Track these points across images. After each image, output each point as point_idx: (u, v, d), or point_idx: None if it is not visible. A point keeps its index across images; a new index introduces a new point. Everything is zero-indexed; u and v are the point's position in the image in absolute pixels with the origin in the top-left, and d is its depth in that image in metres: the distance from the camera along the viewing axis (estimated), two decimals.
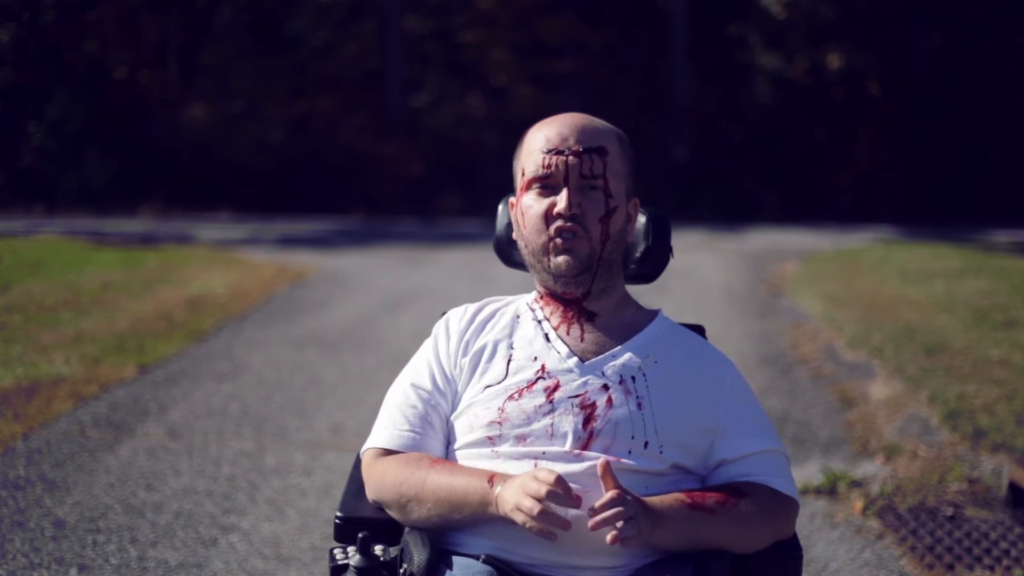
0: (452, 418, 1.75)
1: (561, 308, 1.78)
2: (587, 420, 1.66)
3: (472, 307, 1.85)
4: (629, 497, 1.55)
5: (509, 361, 1.74)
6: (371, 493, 1.75)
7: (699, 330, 1.95)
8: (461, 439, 1.72)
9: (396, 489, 1.69)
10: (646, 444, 1.65)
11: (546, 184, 1.72)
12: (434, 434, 1.75)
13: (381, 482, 1.72)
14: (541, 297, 1.82)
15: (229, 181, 16.86)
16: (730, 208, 15.86)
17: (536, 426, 1.67)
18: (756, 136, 17.85)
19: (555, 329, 1.77)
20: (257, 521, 3.43)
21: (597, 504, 1.53)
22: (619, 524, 1.51)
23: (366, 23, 19.55)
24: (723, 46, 18.75)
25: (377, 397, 1.88)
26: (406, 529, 1.72)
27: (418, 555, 1.60)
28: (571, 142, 1.71)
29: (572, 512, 1.56)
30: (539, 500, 1.51)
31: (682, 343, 1.80)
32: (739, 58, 18.57)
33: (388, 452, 1.75)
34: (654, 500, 1.60)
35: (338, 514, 1.76)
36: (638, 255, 1.91)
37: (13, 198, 15.80)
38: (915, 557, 3.22)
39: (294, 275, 9.05)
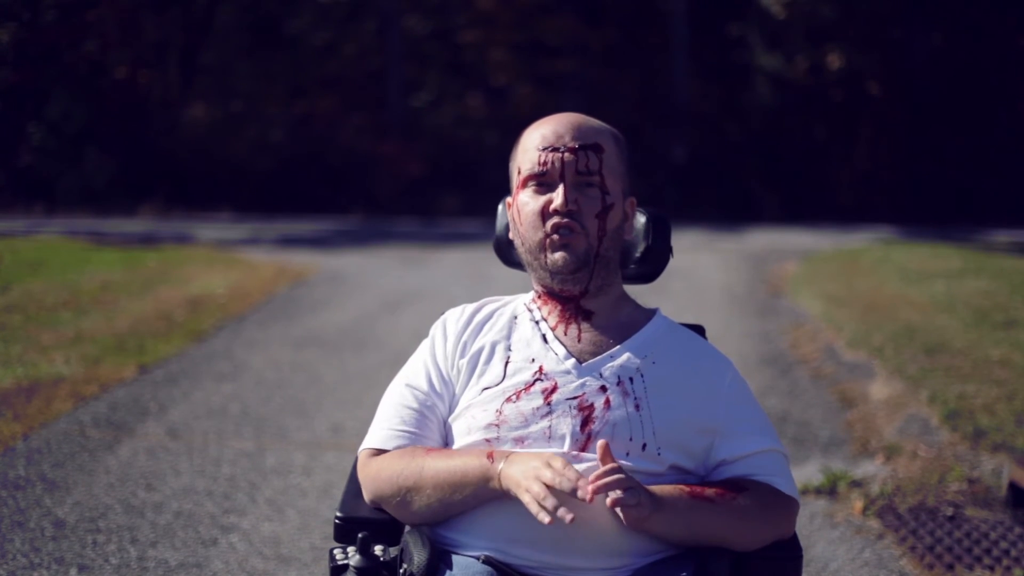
0: (450, 420, 1.75)
1: (559, 307, 1.78)
2: (585, 422, 1.65)
3: (470, 308, 1.85)
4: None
5: (507, 363, 1.73)
6: (369, 492, 1.74)
7: (699, 330, 1.95)
8: (459, 441, 1.72)
9: (394, 481, 1.68)
10: (644, 446, 1.65)
11: (542, 182, 1.72)
12: (430, 435, 1.74)
13: (378, 478, 1.71)
14: (539, 297, 1.82)
15: (229, 181, 16.85)
16: (730, 208, 15.86)
17: (534, 428, 1.66)
18: (756, 136, 17.84)
19: (552, 329, 1.76)
20: (257, 521, 3.43)
21: (596, 472, 1.54)
22: (619, 492, 1.52)
23: (366, 23, 19.55)
24: (723, 46, 18.75)
25: (377, 397, 1.88)
26: (406, 529, 1.72)
27: (418, 555, 1.60)
28: (567, 139, 1.71)
29: (570, 516, 1.56)
30: (551, 489, 1.51)
31: (680, 343, 1.80)
32: (739, 58, 18.56)
33: (383, 452, 1.75)
34: (654, 488, 1.61)
35: (338, 514, 1.76)
36: (638, 255, 1.91)
37: (13, 198, 15.81)
38: (915, 557, 3.22)
39: (294, 275, 9.05)
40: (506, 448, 1.66)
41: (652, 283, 1.98)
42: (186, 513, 3.47)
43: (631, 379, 1.69)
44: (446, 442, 1.75)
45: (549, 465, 1.55)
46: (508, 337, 1.77)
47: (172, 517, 3.43)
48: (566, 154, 1.70)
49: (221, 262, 9.79)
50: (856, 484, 3.81)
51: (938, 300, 7.55)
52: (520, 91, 18.46)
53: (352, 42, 19.50)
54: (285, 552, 3.20)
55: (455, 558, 1.62)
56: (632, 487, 1.55)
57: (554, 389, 1.68)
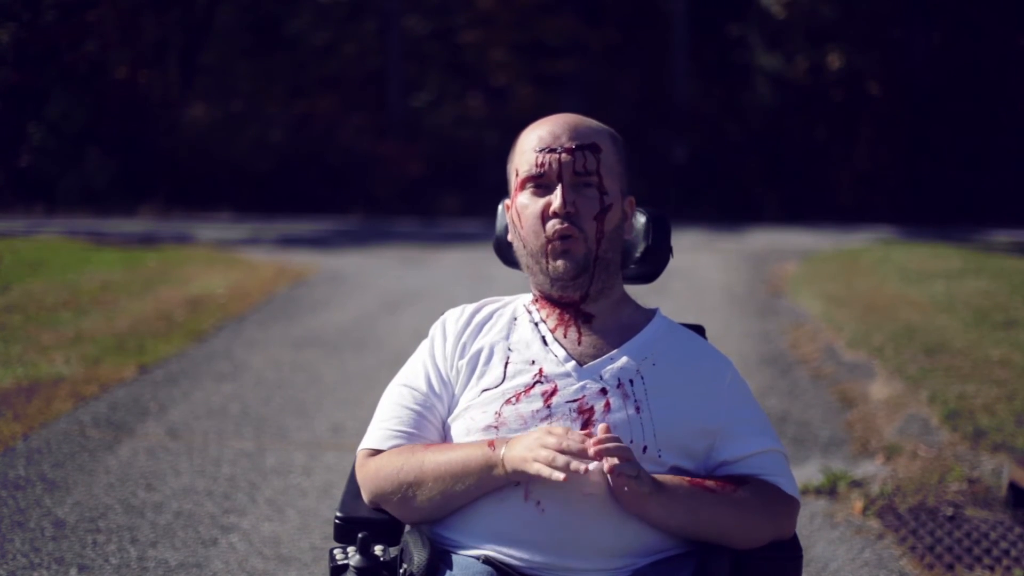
0: (449, 420, 1.74)
1: (558, 311, 1.77)
2: (585, 425, 1.65)
3: (469, 308, 1.84)
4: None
5: (506, 364, 1.73)
6: (368, 492, 1.74)
7: (699, 330, 1.95)
8: (458, 442, 1.72)
9: (394, 478, 1.68)
10: (644, 448, 1.65)
11: (540, 183, 1.72)
12: (429, 435, 1.74)
13: (377, 476, 1.70)
14: (537, 299, 1.81)
15: (229, 181, 16.86)
16: (730, 208, 15.86)
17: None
18: (756, 136, 17.85)
19: (552, 332, 1.76)
20: (257, 521, 3.43)
21: (599, 436, 1.56)
22: (617, 461, 1.53)
23: (366, 23, 19.55)
24: (723, 46, 18.75)
25: (377, 397, 1.88)
26: (406, 529, 1.71)
27: (418, 555, 1.60)
28: (563, 140, 1.71)
29: (569, 518, 1.57)
30: (558, 451, 1.53)
31: (680, 343, 1.79)
32: (739, 58, 18.56)
33: (381, 453, 1.74)
34: (655, 476, 1.61)
35: (338, 514, 1.76)
36: (638, 255, 1.91)
37: (13, 198, 15.81)
38: (915, 557, 3.22)
39: (294, 275, 9.05)
40: None
41: (652, 283, 1.98)
42: (186, 513, 3.47)
43: (631, 381, 1.69)
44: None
45: (550, 433, 1.56)
46: (508, 338, 1.77)
47: (172, 517, 3.43)
48: (563, 155, 1.70)
49: (221, 262, 9.79)
50: (856, 484, 3.81)
51: (938, 300, 7.55)
52: (520, 91, 18.46)
53: (352, 42, 19.50)
54: (285, 552, 3.20)
55: (455, 558, 1.62)
56: (632, 460, 1.55)
57: (554, 392, 1.68)
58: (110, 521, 3.38)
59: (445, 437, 1.75)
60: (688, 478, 1.64)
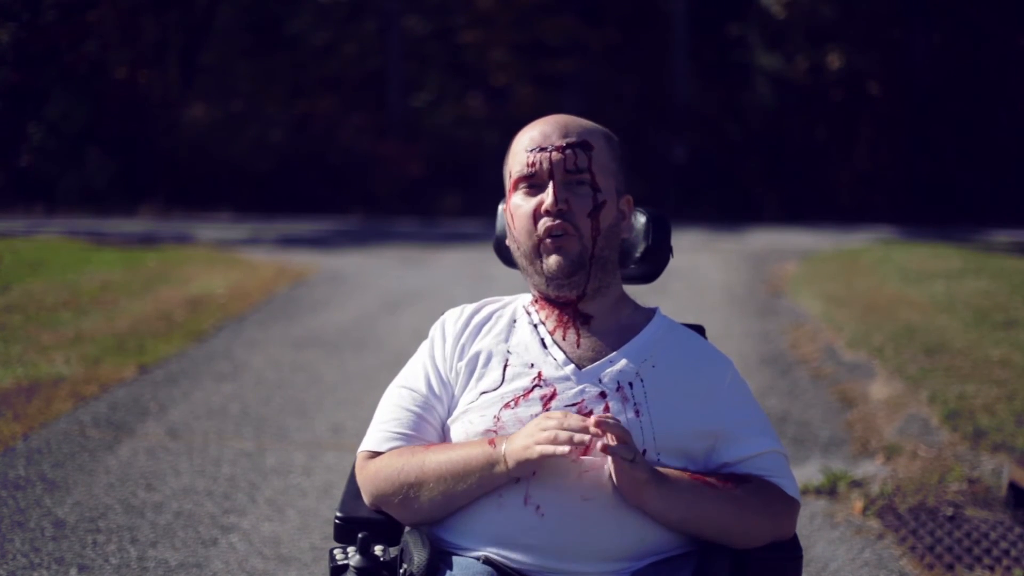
0: (448, 422, 1.74)
1: (556, 312, 1.76)
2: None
3: (469, 309, 1.84)
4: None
5: (505, 367, 1.72)
6: (368, 494, 1.73)
7: (699, 330, 1.94)
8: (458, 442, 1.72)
9: (394, 479, 1.68)
10: (644, 452, 1.64)
11: (532, 183, 1.72)
12: (428, 437, 1.73)
13: (377, 477, 1.70)
14: (536, 300, 1.81)
15: (229, 181, 16.87)
16: (730, 208, 15.87)
17: None
18: (756, 136, 17.86)
19: (551, 334, 1.75)
20: (257, 521, 3.43)
21: (599, 416, 1.57)
22: (613, 440, 1.54)
23: (366, 23, 19.56)
24: (723, 46, 18.76)
25: (377, 397, 1.88)
26: (406, 529, 1.71)
27: (418, 555, 1.59)
28: (554, 139, 1.71)
29: (568, 522, 1.57)
30: (560, 430, 1.54)
31: (680, 343, 1.79)
32: (739, 58, 18.57)
33: (380, 455, 1.74)
34: (657, 468, 1.62)
35: (338, 514, 1.76)
36: (638, 255, 1.90)
37: (13, 198, 15.81)
38: (915, 557, 3.22)
39: (294, 275, 9.05)
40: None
41: (652, 283, 1.97)
42: (186, 513, 3.47)
43: (630, 384, 1.68)
44: None
45: (549, 416, 1.58)
46: (507, 340, 1.76)
47: (172, 517, 3.43)
48: (553, 153, 1.70)
49: (221, 262, 9.80)
50: (856, 484, 3.81)
51: (938, 300, 7.55)
52: (520, 91, 18.47)
53: (352, 42, 19.51)
54: (285, 552, 3.20)
55: (455, 558, 1.61)
56: (629, 443, 1.56)
57: (553, 396, 1.67)
58: (110, 521, 3.38)
59: (445, 438, 1.74)
60: (689, 473, 1.64)
